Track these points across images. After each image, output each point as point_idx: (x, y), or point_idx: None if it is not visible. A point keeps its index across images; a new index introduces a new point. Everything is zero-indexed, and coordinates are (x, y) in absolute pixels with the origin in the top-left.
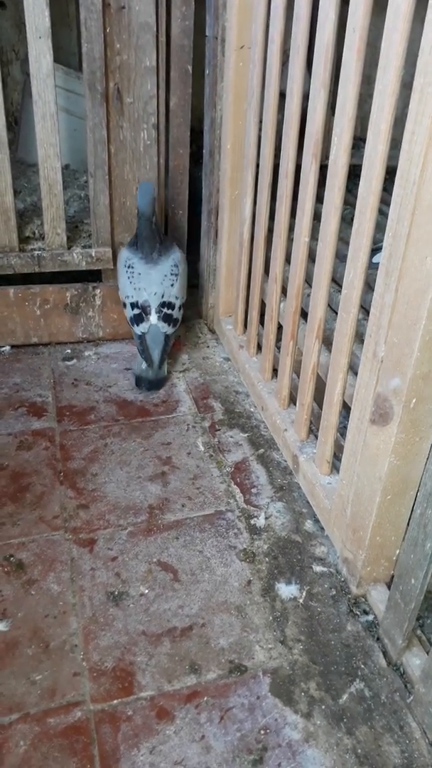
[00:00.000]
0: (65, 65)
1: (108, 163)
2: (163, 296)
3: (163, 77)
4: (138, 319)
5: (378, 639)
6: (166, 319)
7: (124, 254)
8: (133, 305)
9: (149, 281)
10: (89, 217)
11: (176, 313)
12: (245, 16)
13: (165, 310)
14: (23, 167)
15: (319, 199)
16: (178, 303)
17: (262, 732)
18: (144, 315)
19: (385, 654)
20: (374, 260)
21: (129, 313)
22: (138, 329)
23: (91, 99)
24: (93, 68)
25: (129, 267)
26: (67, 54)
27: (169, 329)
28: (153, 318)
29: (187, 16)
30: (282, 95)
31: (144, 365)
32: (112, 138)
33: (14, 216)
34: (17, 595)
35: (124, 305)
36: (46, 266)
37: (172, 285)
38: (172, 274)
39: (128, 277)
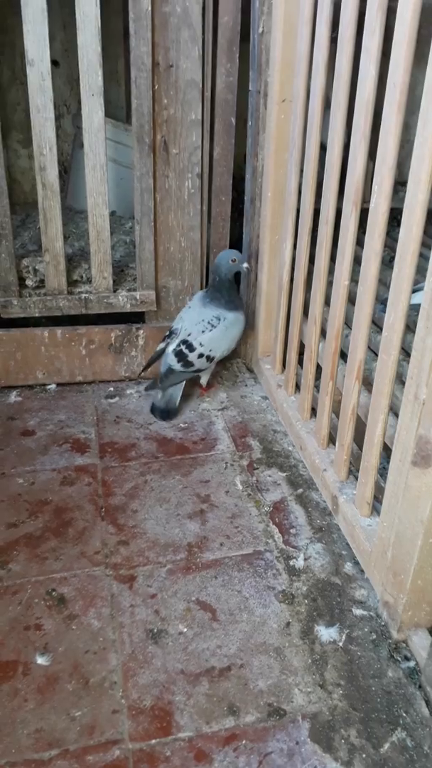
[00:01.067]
0: (113, 118)
1: (154, 210)
2: (189, 335)
3: (207, 129)
4: (163, 339)
5: (420, 687)
6: (179, 355)
7: (197, 295)
8: (169, 329)
9: (188, 317)
10: (134, 262)
11: (193, 358)
12: (287, 71)
13: (182, 347)
14: (71, 213)
15: (358, 242)
16: (200, 350)
17: None
18: (167, 339)
19: (427, 703)
20: (413, 301)
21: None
22: (159, 345)
23: (139, 150)
24: (142, 122)
25: (189, 301)
26: (114, 108)
27: (177, 366)
28: (170, 347)
29: (231, 73)
30: (322, 146)
31: (158, 393)
32: (158, 187)
33: (63, 260)
34: (58, 630)
35: None
36: (92, 308)
37: (203, 331)
38: (209, 323)
39: (183, 309)
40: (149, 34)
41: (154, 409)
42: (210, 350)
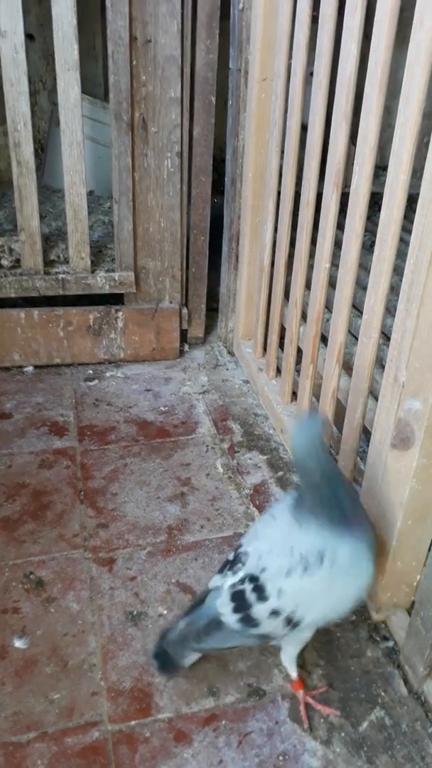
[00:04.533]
0: (91, 95)
1: (132, 190)
2: (263, 570)
3: (187, 107)
4: (220, 569)
5: (398, 666)
6: (237, 599)
7: (287, 497)
8: (235, 548)
9: (269, 536)
10: (113, 242)
11: (260, 613)
12: (268, 49)
13: (246, 586)
14: (48, 192)
15: (339, 226)
16: (275, 604)
17: (281, 758)
18: (226, 568)
19: (405, 681)
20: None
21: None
22: (210, 582)
23: (117, 128)
24: (119, 99)
25: (271, 508)
26: (92, 85)
27: (230, 618)
28: (227, 584)
29: (212, 50)
30: (303, 126)
31: (179, 626)
32: (136, 166)
33: (40, 240)
34: (37, 613)
35: None
36: (70, 289)
37: (288, 572)
38: (302, 559)
39: (260, 519)
40: (126, 8)
41: (158, 643)
42: (294, 608)
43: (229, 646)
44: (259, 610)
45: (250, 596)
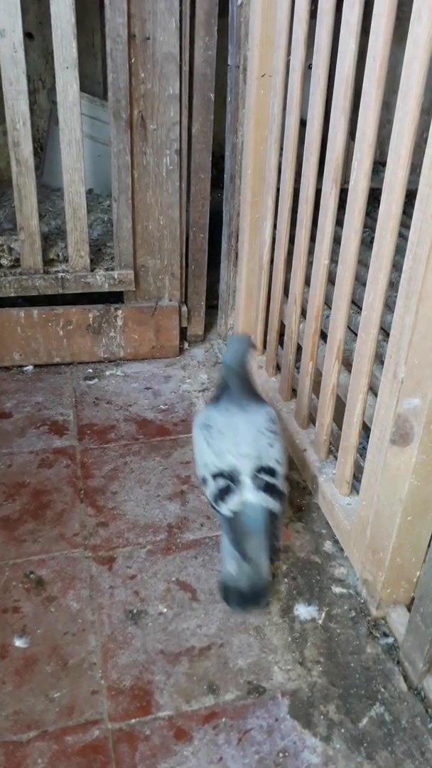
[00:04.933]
0: (90, 93)
1: (131, 187)
2: (258, 458)
3: (186, 105)
4: (224, 494)
5: (398, 662)
6: (269, 489)
7: (200, 415)
8: (216, 476)
9: (236, 439)
10: (112, 240)
11: (280, 484)
12: (266, 45)
13: (267, 478)
14: (48, 191)
15: (338, 222)
16: (281, 470)
17: (281, 755)
18: (232, 487)
19: (405, 678)
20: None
21: (210, 489)
22: (225, 508)
23: (116, 126)
24: (118, 96)
25: (206, 427)
26: (91, 82)
27: (274, 504)
28: (248, 490)
29: (210, 46)
30: (302, 122)
31: (235, 565)
32: (135, 163)
33: (39, 239)
34: (37, 612)
35: (204, 481)
36: (69, 288)
37: (270, 444)
38: (269, 431)
39: (205, 441)
40: (125, 5)
41: (229, 594)
42: (285, 466)
43: (279, 528)
44: (280, 483)
45: (271, 479)
